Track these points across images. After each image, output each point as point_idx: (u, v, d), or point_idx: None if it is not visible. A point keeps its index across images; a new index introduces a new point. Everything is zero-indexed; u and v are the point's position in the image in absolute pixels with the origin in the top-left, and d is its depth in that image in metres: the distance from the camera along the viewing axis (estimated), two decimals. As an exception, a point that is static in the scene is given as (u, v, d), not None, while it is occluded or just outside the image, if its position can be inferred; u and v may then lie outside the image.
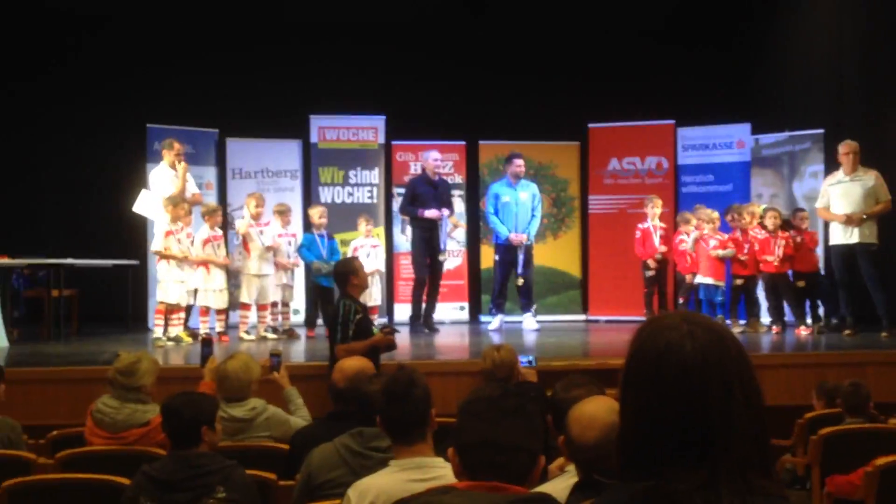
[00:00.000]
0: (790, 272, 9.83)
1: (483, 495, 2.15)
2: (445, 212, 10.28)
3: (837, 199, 9.38)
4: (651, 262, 10.49)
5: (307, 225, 10.85)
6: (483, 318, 11.53)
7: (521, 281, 10.32)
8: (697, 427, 1.46)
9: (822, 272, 10.09)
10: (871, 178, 9.27)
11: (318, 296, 10.35)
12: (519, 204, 10.36)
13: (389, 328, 7.11)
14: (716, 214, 10.20)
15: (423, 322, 10.28)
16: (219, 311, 9.68)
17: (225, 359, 5.32)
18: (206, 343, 6.26)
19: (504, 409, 2.30)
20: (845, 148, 9.37)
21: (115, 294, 10.95)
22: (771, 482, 1.50)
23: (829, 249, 9.68)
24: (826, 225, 9.82)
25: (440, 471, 2.95)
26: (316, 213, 10.43)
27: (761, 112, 11.67)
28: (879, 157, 9.53)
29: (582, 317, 12.15)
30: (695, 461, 1.45)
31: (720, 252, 9.97)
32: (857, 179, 9.29)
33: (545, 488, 2.87)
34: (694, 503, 1.43)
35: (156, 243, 9.20)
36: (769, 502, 1.47)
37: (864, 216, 9.18)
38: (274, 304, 10.12)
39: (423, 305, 10.36)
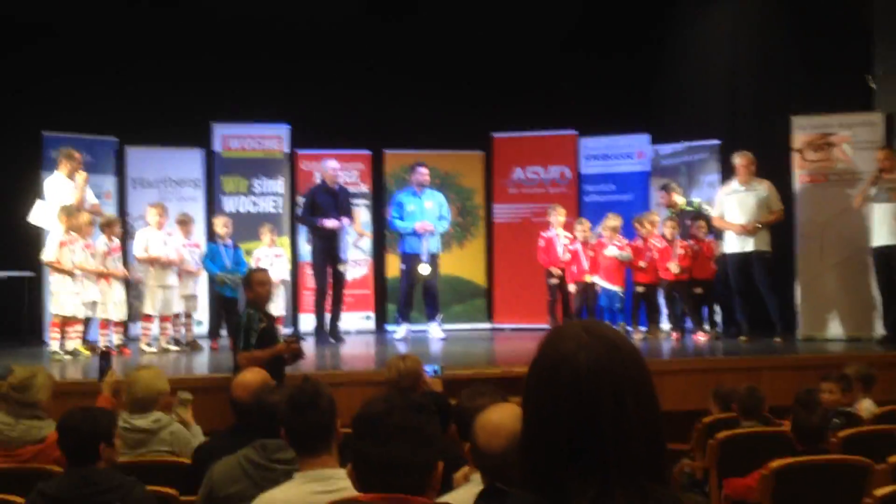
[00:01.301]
0: (688, 280, 10.08)
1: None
2: (345, 221, 10.25)
3: (732, 208, 9.65)
4: (555, 271, 10.61)
5: (211, 234, 10.71)
6: (389, 328, 11.53)
7: (425, 269, 10.29)
8: (590, 436, 1.49)
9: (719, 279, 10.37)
10: (763, 188, 9.57)
11: (221, 306, 10.24)
12: (424, 212, 10.40)
13: (294, 338, 7.06)
14: (615, 222, 10.38)
15: (328, 332, 10.22)
16: (119, 324, 9.48)
17: (135, 368, 5.21)
18: (105, 356, 6.13)
19: (390, 426, 2.32)
20: (741, 159, 9.65)
21: (9, 307, 10.60)
22: (664, 487, 1.53)
23: (724, 257, 9.93)
24: (720, 233, 10.07)
25: (344, 482, 2.94)
26: (219, 223, 10.33)
27: (660, 123, 11.96)
28: (771, 168, 9.85)
29: (487, 325, 12.24)
30: (590, 469, 1.48)
31: (617, 253, 10.17)
32: (751, 189, 9.58)
33: (450, 497, 2.89)
34: None
35: (48, 253, 8.94)
36: None
37: (759, 225, 9.46)
38: (177, 316, 9.95)
39: (327, 315, 10.31)
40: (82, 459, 3.71)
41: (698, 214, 10.29)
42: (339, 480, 2.95)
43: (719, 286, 10.16)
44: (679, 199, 10.55)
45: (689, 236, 10.13)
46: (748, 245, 9.53)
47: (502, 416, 2.78)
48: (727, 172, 10.37)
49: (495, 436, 2.70)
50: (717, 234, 10.07)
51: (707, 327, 10.04)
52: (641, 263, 10.18)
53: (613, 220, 10.40)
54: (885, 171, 9.14)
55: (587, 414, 1.49)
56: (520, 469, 1.57)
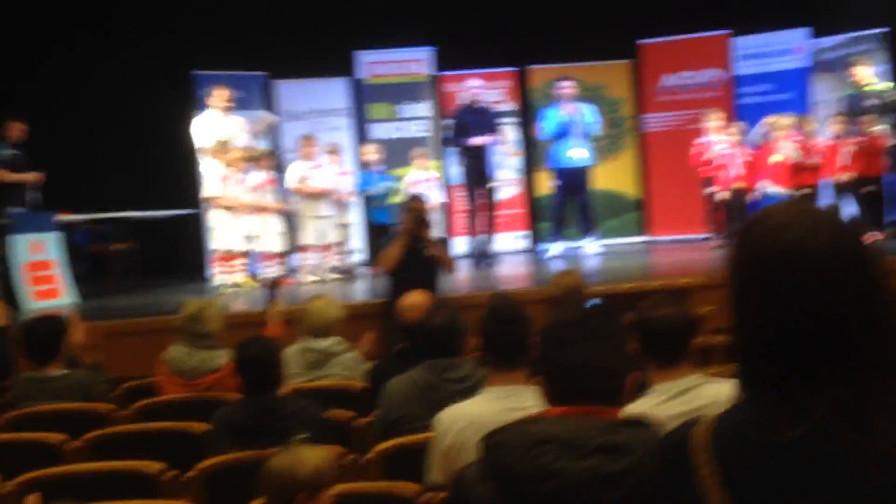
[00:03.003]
0: (858, 178, 9.50)
1: (577, 421, 2.05)
2: (492, 138, 10.05)
3: None
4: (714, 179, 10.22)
5: (361, 163, 10.75)
6: (543, 247, 11.37)
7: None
8: (834, 334, 1.29)
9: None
10: None
11: (376, 233, 10.28)
12: (573, 123, 10.09)
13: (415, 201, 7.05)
14: (787, 121, 9.82)
15: (482, 253, 10.16)
16: (279, 255, 9.65)
17: (310, 297, 5.30)
18: (270, 287, 6.22)
19: (587, 331, 2.18)
20: None
21: (175, 244, 10.95)
22: None
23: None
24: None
25: (535, 400, 2.85)
26: (369, 151, 10.37)
27: (819, 15, 11.22)
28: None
29: (643, 238, 11.95)
30: (832, 374, 1.30)
31: (789, 153, 9.58)
32: None
33: (638, 407, 2.77)
34: (837, 424, 1.27)
35: (209, 189, 9.17)
36: None
37: None
38: (333, 245, 10.06)
39: (481, 236, 10.24)
40: (261, 387, 3.77)
41: (882, 102, 9.53)
42: (531, 398, 2.85)
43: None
44: (867, 77, 9.66)
45: (859, 133, 9.49)
46: None
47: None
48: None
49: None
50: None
51: (878, 227, 9.44)
52: (810, 162, 9.61)
53: (785, 120, 9.82)
54: None
55: (831, 308, 1.30)
56: (746, 380, 1.39)
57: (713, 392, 2.85)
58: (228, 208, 9.11)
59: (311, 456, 2.73)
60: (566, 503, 1.89)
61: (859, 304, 1.31)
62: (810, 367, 1.31)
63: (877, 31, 10.61)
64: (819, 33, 11.16)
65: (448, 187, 11.63)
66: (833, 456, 1.27)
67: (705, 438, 1.36)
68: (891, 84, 9.76)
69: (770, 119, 9.94)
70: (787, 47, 11.45)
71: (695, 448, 1.36)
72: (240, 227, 9.21)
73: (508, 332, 3.07)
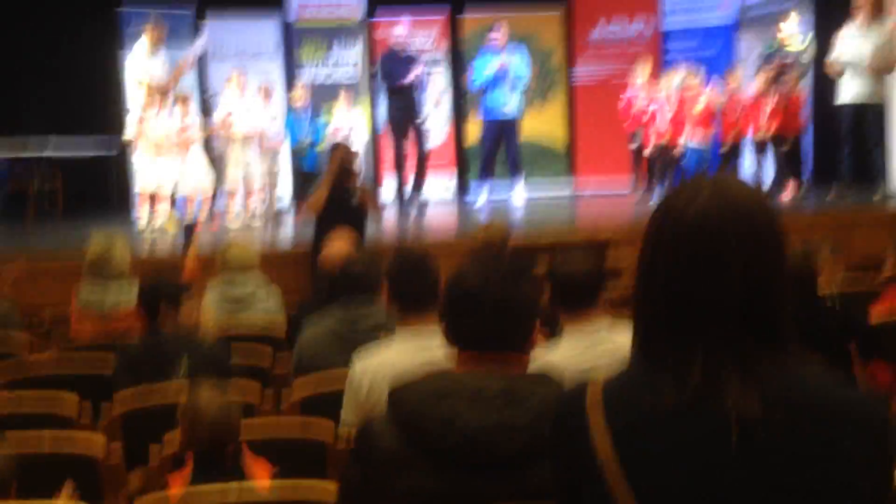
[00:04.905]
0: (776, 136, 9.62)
1: (482, 374, 2.05)
2: (419, 73, 9.91)
3: (849, 52, 8.68)
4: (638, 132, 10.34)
5: (290, 108, 10.60)
6: (469, 195, 11.37)
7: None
8: (697, 297, 1.35)
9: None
10: (885, 31, 8.64)
11: (303, 180, 10.20)
12: (504, 74, 10.01)
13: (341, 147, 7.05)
14: (700, 75, 9.94)
15: (409, 199, 10.09)
16: (205, 199, 9.52)
17: (225, 242, 5.29)
18: (188, 230, 6.18)
19: (487, 301, 2.15)
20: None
21: (98, 184, 10.71)
22: (787, 354, 1.37)
23: (831, 108, 9.17)
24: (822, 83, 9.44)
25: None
26: (297, 94, 10.24)
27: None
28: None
29: (568, 190, 11.99)
30: (696, 337, 1.35)
31: (712, 100, 9.70)
32: (869, 32, 8.63)
33: (548, 355, 2.83)
34: (712, 393, 1.32)
35: (130, 131, 9.01)
36: (782, 373, 1.35)
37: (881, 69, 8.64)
38: (259, 190, 9.94)
39: (409, 181, 10.16)
40: (153, 317, 3.85)
41: (799, 60, 9.52)
42: (441, 340, 2.88)
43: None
44: (790, 35, 9.60)
45: (781, 90, 9.52)
46: (863, 96, 8.63)
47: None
48: (822, 19, 9.77)
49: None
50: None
51: (794, 184, 9.59)
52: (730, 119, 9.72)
53: (697, 72, 9.95)
54: None
55: (698, 272, 1.35)
56: (639, 343, 1.45)
57: (621, 340, 2.91)
58: (153, 150, 8.96)
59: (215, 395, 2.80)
60: (468, 454, 1.94)
61: (716, 274, 1.35)
62: (697, 336, 1.36)
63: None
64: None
65: (377, 131, 11.56)
66: (705, 422, 1.32)
67: (597, 398, 1.41)
68: (808, 42, 9.78)
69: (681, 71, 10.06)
70: (715, 2, 11.56)
71: (589, 407, 1.41)
72: (163, 168, 9.06)
73: (417, 277, 3.11)
